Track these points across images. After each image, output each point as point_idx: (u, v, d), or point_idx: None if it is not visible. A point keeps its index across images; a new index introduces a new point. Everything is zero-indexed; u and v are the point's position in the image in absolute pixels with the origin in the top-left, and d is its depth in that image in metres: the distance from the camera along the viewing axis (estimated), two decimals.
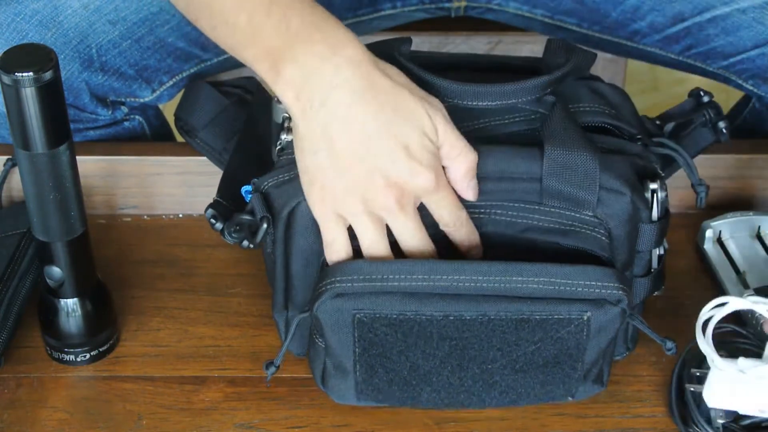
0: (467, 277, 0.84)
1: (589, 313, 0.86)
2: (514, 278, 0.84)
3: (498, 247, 0.90)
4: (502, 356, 0.88)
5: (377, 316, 0.86)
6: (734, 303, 0.88)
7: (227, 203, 0.94)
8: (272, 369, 0.90)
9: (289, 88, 0.85)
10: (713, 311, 0.88)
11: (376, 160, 0.84)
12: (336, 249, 0.88)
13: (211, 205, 0.93)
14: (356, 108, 0.84)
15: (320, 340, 0.89)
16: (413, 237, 0.87)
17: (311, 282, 0.91)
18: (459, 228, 0.89)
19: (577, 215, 0.89)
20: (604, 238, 0.89)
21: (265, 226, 0.89)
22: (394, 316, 0.86)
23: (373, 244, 0.87)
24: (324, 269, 0.88)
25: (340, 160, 0.85)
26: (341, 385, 0.91)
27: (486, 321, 0.86)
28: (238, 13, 0.86)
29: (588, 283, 0.85)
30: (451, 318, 0.86)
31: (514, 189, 0.89)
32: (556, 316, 0.86)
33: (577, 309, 0.86)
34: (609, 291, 0.85)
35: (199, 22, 0.91)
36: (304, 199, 0.88)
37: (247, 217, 0.90)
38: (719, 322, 0.88)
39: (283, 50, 0.84)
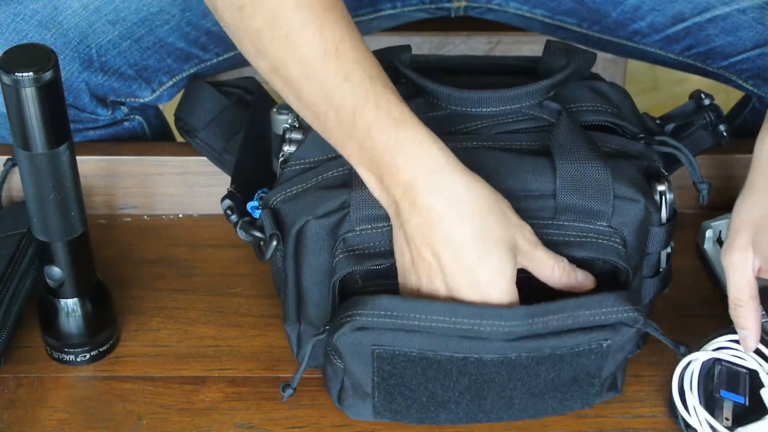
0: (488, 321, 0.83)
1: (609, 341, 0.85)
2: (535, 320, 0.83)
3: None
4: (522, 385, 0.87)
5: (396, 352, 0.85)
6: (700, 357, 0.89)
7: (241, 196, 0.94)
8: (289, 391, 0.89)
9: (380, 198, 0.85)
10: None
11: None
12: None
13: (227, 196, 0.93)
14: (439, 234, 0.83)
15: (338, 361, 0.88)
16: None
17: (323, 299, 0.90)
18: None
19: (592, 226, 0.88)
20: (620, 246, 0.88)
21: (274, 243, 0.89)
22: (414, 353, 0.85)
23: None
24: (346, 300, 0.86)
25: (413, 270, 0.85)
26: (359, 405, 0.90)
27: (507, 361, 0.85)
28: (326, 107, 0.84)
29: (605, 310, 0.84)
30: (471, 359, 0.85)
31: (527, 207, 0.88)
32: (576, 349, 0.85)
33: (597, 337, 0.85)
34: (626, 315, 0.84)
35: (289, 100, 0.88)
36: (313, 218, 0.88)
37: (258, 234, 0.90)
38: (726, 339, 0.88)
39: (370, 167, 0.84)
